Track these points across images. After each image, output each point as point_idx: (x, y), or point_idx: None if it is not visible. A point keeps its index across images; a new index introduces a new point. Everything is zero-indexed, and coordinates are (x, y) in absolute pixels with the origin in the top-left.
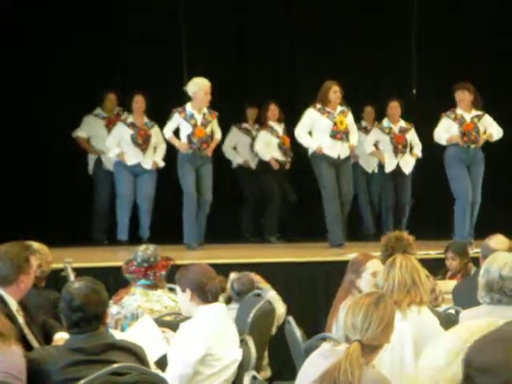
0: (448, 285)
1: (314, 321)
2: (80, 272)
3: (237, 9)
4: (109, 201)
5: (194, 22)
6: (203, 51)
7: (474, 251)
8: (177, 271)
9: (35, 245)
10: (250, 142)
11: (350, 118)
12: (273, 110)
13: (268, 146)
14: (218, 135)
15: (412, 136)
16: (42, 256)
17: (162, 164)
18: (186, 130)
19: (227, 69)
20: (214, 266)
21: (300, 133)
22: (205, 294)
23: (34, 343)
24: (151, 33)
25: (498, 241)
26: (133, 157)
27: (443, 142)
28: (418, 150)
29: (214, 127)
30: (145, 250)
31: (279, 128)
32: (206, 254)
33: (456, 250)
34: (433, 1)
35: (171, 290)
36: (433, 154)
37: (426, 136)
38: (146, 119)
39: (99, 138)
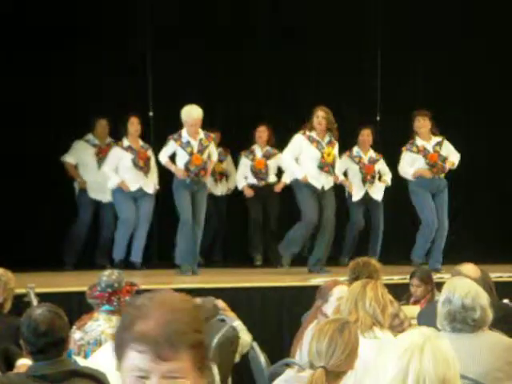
0: (412, 310)
1: (278, 346)
2: (43, 297)
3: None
4: (88, 227)
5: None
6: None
7: (437, 276)
8: None
9: None
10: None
11: (336, 150)
12: (260, 133)
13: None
14: (215, 157)
15: (381, 166)
16: (3, 282)
17: (157, 187)
18: (182, 158)
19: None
20: (177, 291)
21: (287, 159)
22: None
23: None
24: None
25: (468, 269)
26: (134, 182)
27: (409, 177)
28: (388, 177)
29: (211, 150)
30: (109, 276)
31: (260, 151)
32: (170, 279)
33: (421, 277)
34: (395, 29)
35: None
36: (395, 181)
37: (390, 164)
38: (141, 142)
39: (87, 166)
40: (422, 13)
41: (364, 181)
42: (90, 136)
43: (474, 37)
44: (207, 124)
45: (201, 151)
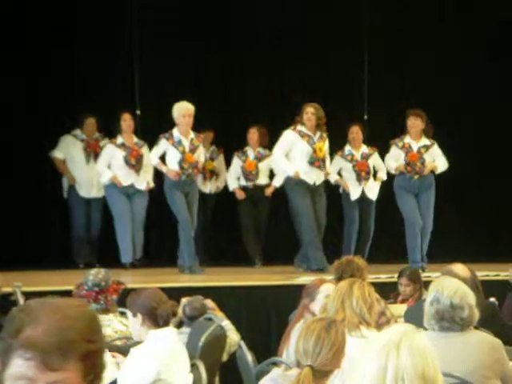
0: (400, 309)
1: (265, 345)
2: (30, 296)
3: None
4: (85, 226)
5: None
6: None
7: (424, 275)
8: (128, 295)
9: None
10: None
11: (326, 145)
12: (251, 134)
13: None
14: (202, 158)
15: (375, 160)
16: None
17: (152, 184)
18: (175, 156)
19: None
20: (165, 289)
21: (277, 156)
22: (156, 318)
23: None
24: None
25: (459, 268)
26: (126, 178)
27: (392, 171)
28: (382, 173)
29: (200, 151)
30: (96, 274)
31: (252, 153)
32: (159, 278)
33: (410, 276)
34: (384, 27)
35: (122, 314)
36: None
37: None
38: (135, 139)
39: (75, 161)
40: (421, 12)
41: (359, 179)
42: (77, 131)
43: (473, 37)
44: (203, 123)
45: (192, 150)
